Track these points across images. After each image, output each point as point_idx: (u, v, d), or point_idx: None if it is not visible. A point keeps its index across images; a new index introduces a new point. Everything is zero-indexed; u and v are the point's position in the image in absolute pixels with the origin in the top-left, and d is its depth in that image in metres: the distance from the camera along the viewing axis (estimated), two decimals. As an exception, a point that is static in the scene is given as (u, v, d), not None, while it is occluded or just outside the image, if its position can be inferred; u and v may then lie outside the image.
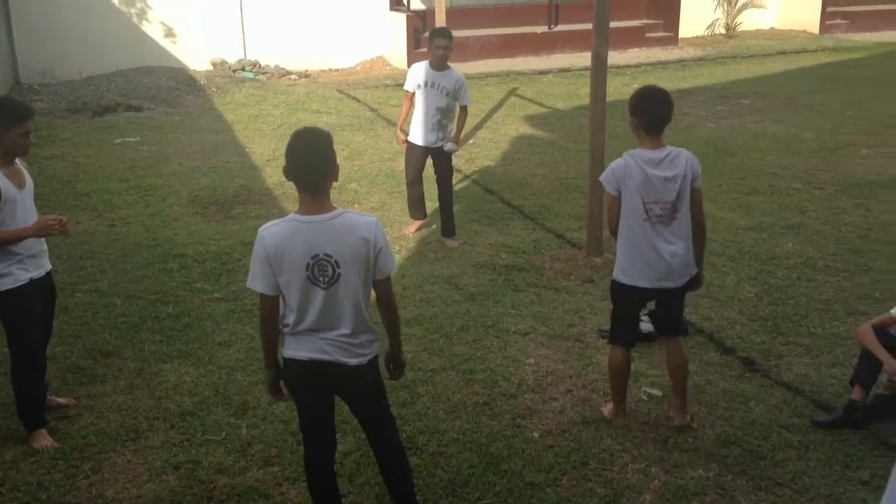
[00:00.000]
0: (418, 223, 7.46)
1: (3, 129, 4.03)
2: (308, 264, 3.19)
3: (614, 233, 4.36)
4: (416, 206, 7.41)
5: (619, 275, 4.35)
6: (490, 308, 5.93)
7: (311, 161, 3.22)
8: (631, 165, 4.17)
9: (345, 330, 3.28)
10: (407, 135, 7.15)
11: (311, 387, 3.40)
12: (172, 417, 4.58)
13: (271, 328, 3.35)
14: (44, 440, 4.32)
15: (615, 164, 4.23)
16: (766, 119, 11.74)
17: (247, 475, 4.07)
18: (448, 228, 7.18)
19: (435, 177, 7.20)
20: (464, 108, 7.00)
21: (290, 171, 3.25)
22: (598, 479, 4.06)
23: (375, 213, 7.97)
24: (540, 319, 5.75)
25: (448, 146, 6.94)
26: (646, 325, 5.41)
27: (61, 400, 4.67)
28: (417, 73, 6.87)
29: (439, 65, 6.75)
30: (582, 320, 5.75)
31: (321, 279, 3.21)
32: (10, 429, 4.45)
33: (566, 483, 4.02)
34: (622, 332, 4.48)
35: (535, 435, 4.42)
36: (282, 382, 3.47)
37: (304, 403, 3.47)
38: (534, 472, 4.11)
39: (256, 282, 3.25)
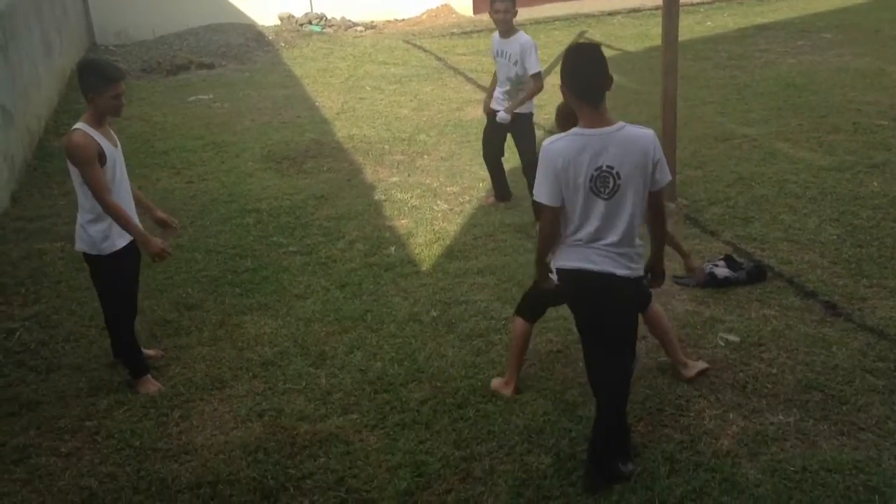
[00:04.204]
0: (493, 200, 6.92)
1: (96, 93, 4.16)
2: (592, 176, 3.29)
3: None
4: (493, 184, 6.90)
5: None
6: (562, 256, 5.89)
7: (596, 71, 3.32)
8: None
9: (612, 238, 3.38)
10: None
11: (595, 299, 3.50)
12: (255, 367, 4.74)
13: (553, 238, 3.49)
14: (151, 385, 4.56)
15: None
16: (849, 53, 11.22)
17: (327, 422, 4.19)
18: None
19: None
20: (534, 76, 6.34)
21: (572, 84, 3.34)
22: (674, 424, 4.04)
23: (444, 163, 7.97)
24: (613, 266, 5.69)
25: (499, 115, 6.44)
26: (721, 270, 5.33)
27: (150, 352, 4.86)
28: (493, 43, 6.56)
29: (504, 31, 6.36)
30: (656, 266, 5.66)
31: (603, 190, 3.31)
32: (104, 379, 4.67)
33: (642, 429, 4.02)
34: (533, 308, 4.33)
35: (610, 381, 4.40)
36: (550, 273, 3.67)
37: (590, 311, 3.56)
38: (609, 418, 4.10)
39: (542, 194, 3.38)
